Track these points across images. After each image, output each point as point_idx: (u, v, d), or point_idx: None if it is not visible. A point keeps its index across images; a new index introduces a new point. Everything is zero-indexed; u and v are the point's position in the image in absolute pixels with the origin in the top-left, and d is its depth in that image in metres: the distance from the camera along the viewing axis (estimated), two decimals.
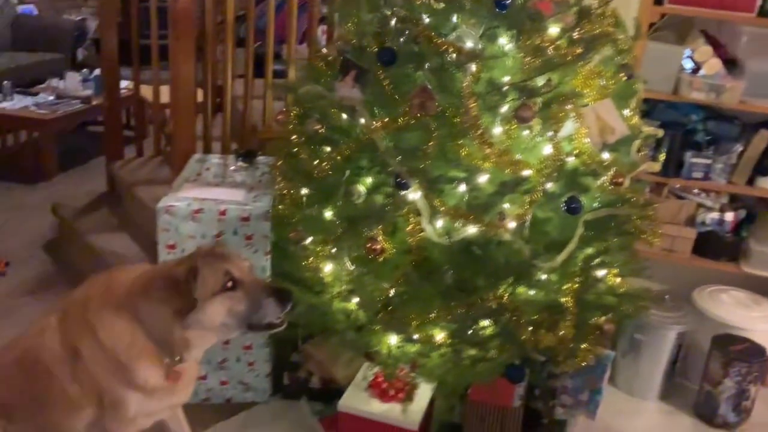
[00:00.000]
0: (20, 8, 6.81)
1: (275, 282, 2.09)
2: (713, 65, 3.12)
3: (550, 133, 2.22)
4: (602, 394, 2.70)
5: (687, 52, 3.16)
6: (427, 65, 2.22)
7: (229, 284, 1.89)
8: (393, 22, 2.32)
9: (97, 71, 5.47)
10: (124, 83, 4.22)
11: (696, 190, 3.36)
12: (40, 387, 2.03)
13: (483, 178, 2.21)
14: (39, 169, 4.93)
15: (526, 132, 2.22)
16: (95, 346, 1.94)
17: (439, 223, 2.25)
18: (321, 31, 3.94)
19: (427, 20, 2.23)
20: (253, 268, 2.04)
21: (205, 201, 2.54)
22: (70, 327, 2.00)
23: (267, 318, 1.94)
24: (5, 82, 5.12)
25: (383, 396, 2.49)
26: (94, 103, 5.16)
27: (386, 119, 2.24)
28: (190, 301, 1.85)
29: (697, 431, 2.84)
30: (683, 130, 3.26)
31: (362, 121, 2.34)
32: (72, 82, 5.35)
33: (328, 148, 2.47)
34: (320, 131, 2.49)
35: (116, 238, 3.48)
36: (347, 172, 2.35)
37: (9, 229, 4.13)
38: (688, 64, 3.17)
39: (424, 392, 2.53)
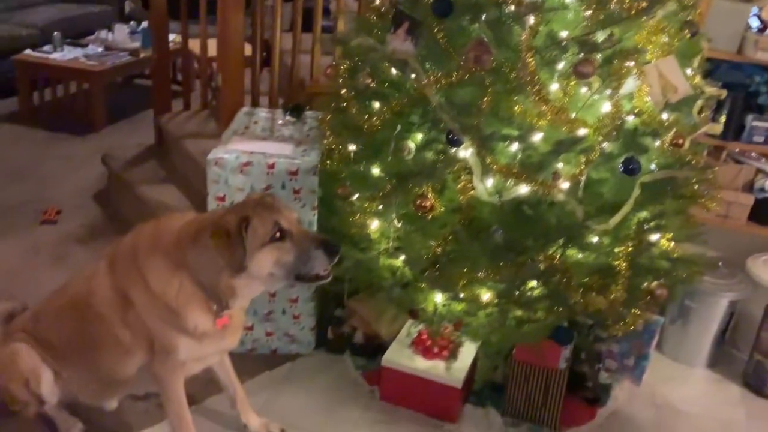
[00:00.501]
0: None
1: (323, 234, 2.08)
2: None
3: (609, 91, 2.15)
4: (649, 359, 2.66)
5: (754, 10, 3.02)
6: (483, 17, 2.15)
7: (278, 235, 1.89)
8: None
9: (145, 24, 5.50)
10: (171, 36, 4.21)
11: (755, 155, 3.24)
12: (92, 331, 2.08)
13: (537, 137, 2.15)
14: (88, 120, 5.00)
15: (584, 89, 2.15)
16: (145, 293, 1.98)
17: (490, 181, 2.21)
18: None
19: None
20: (300, 220, 2.04)
21: (253, 154, 2.54)
22: (120, 273, 2.04)
23: (314, 269, 1.93)
24: (55, 33, 5.18)
25: (427, 353, 2.50)
26: (142, 55, 5.20)
27: (439, 74, 2.19)
28: (240, 251, 1.86)
29: (745, 401, 2.78)
30: (746, 92, 3.13)
31: (414, 75, 2.29)
32: (120, 34, 5.38)
33: (378, 103, 2.44)
34: (371, 85, 2.46)
35: (164, 189, 3.52)
36: (398, 128, 2.32)
37: (60, 179, 4.21)
38: (755, 23, 3.03)
39: (467, 351, 2.52)
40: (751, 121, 3.10)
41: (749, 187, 3.20)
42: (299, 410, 2.47)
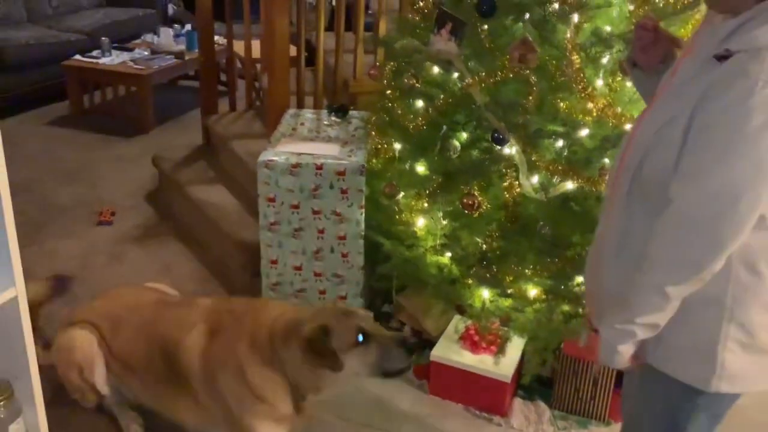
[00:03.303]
0: None
1: (399, 332, 2.19)
2: None
3: None
4: None
5: None
6: (527, 16, 2.18)
7: (361, 338, 1.99)
8: None
9: (188, 26, 5.62)
10: (215, 38, 4.30)
11: None
12: (173, 378, 2.17)
13: (583, 133, 2.17)
14: (137, 122, 5.14)
15: (629, 83, 2.15)
16: (238, 382, 2.06)
17: (536, 178, 2.24)
18: None
19: None
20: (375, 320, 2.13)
21: (302, 155, 2.60)
22: (216, 355, 2.11)
23: (397, 366, 2.03)
24: (103, 38, 5.33)
25: (475, 348, 2.53)
26: (187, 58, 5.32)
27: (484, 73, 2.22)
28: (331, 360, 1.95)
29: None
30: None
31: (458, 75, 2.33)
32: (165, 37, 5.51)
33: (423, 103, 2.48)
34: (415, 85, 2.50)
35: (214, 189, 3.62)
36: (443, 128, 2.36)
37: (112, 180, 4.35)
38: None
39: (515, 345, 2.55)
40: None
41: None
42: (349, 403, 2.53)
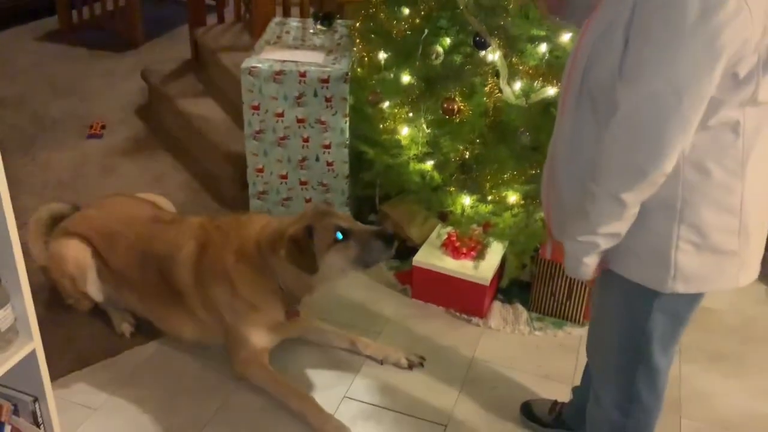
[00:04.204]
0: None
1: (377, 226, 2.26)
2: None
3: None
4: None
5: None
6: None
7: (340, 236, 2.06)
8: None
9: None
10: None
11: None
12: (170, 294, 2.27)
13: (566, 37, 2.16)
14: (127, 37, 5.07)
15: None
16: (231, 294, 2.17)
17: (518, 84, 2.24)
18: None
19: None
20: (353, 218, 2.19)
21: (286, 63, 2.60)
22: (207, 269, 2.19)
23: (378, 257, 2.14)
24: None
25: (456, 253, 2.60)
26: None
27: None
28: (311, 257, 2.04)
29: None
30: None
31: None
32: None
33: (407, 8, 2.46)
34: None
35: (202, 102, 3.62)
36: (425, 32, 2.34)
37: (103, 94, 4.34)
38: None
39: (495, 251, 2.62)
40: None
41: None
42: (336, 307, 2.62)
